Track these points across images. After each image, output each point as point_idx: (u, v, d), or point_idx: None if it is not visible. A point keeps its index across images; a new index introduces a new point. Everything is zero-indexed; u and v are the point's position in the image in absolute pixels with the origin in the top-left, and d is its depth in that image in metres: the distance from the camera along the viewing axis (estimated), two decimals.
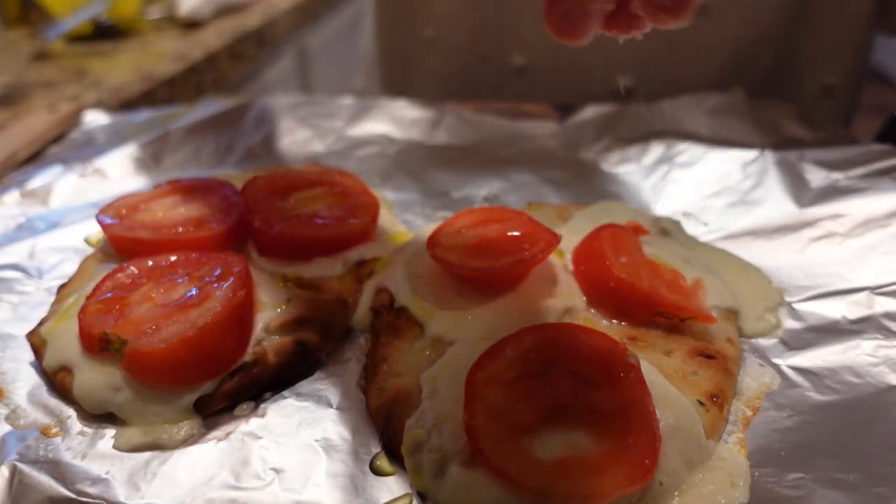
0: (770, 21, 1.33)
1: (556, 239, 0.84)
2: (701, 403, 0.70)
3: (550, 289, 0.84)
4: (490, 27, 1.39)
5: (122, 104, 1.61)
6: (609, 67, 1.36)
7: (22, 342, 0.84)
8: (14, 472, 0.66)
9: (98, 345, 0.74)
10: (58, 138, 1.38)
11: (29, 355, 0.82)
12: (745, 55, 1.35)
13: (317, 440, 0.71)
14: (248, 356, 0.77)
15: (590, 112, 1.32)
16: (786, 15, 1.33)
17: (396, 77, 1.63)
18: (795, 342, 0.81)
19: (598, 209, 1.02)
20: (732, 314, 0.84)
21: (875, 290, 0.86)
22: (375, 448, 0.70)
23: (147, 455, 0.70)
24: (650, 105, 1.32)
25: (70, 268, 0.97)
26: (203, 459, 0.69)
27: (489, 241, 0.87)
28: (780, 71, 1.40)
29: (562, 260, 0.89)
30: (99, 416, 0.74)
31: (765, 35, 1.34)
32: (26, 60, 1.95)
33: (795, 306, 0.87)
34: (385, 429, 0.70)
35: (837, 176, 1.07)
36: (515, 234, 0.88)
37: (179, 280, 0.83)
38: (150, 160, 1.28)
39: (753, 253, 0.97)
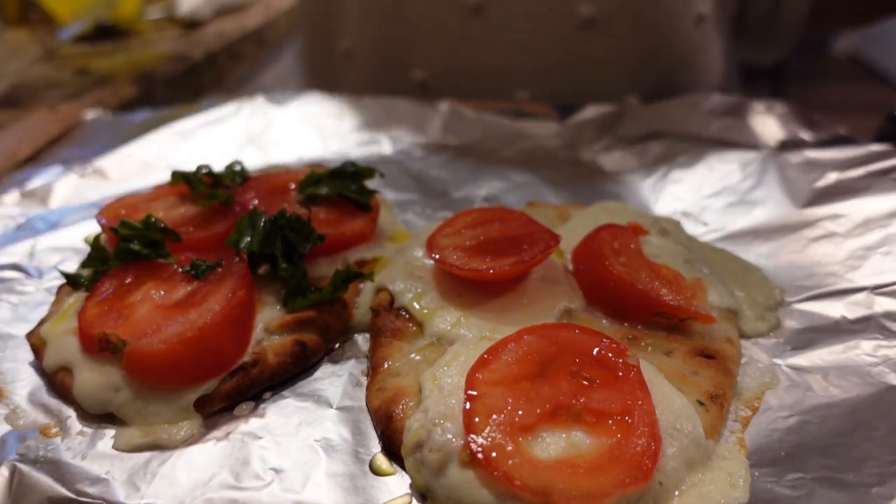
0: (656, 32, 1.37)
1: (556, 239, 0.84)
2: (701, 403, 0.70)
3: (550, 289, 0.84)
4: (393, 42, 1.44)
5: (122, 104, 1.61)
6: (506, 83, 1.40)
7: (22, 342, 0.84)
8: (14, 472, 0.66)
9: (98, 345, 0.74)
10: (58, 138, 1.38)
11: (29, 355, 0.82)
12: (636, 64, 1.40)
13: (317, 440, 0.71)
14: (248, 356, 0.78)
15: (590, 112, 1.32)
16: (674, 25, 1.38)
17: (320, 87, 1.66)
18: (795, 342, 0.81)
19: (597, 209, 1.02)
20: (732, 314, 0.84)
21: (875, 290, 0.86)
22: (375, 448, 0.70)
23: (147, 455, 0.70)
24: (650, 105, 1.32)
25: (70, 268, 0.97)
26: (203, 459, 0.69)
27: (489, 241, 0.87)
28: (675, 74, 1.44)
29: (562, 260, 0.90)
30: (99, 416, 0.74)
31: (654, 45, 1.38)
32: (33, 62, 1.95)
33: (795, 306, 0.87)
34: (385, 429, 0.70)
35: (837, 176, 1.07)
36: (515, 234, 0.88)
37: (179, 280, 0.83)
38: (150, 160, 1.28)
39: (753, 253, 0.97)
